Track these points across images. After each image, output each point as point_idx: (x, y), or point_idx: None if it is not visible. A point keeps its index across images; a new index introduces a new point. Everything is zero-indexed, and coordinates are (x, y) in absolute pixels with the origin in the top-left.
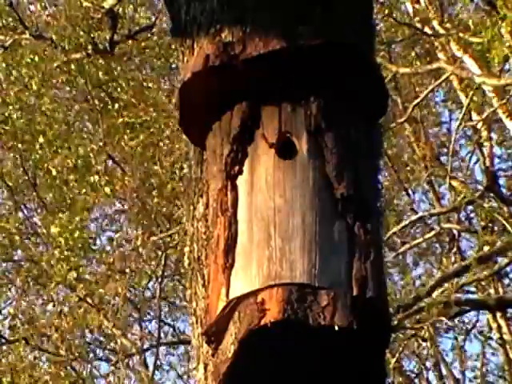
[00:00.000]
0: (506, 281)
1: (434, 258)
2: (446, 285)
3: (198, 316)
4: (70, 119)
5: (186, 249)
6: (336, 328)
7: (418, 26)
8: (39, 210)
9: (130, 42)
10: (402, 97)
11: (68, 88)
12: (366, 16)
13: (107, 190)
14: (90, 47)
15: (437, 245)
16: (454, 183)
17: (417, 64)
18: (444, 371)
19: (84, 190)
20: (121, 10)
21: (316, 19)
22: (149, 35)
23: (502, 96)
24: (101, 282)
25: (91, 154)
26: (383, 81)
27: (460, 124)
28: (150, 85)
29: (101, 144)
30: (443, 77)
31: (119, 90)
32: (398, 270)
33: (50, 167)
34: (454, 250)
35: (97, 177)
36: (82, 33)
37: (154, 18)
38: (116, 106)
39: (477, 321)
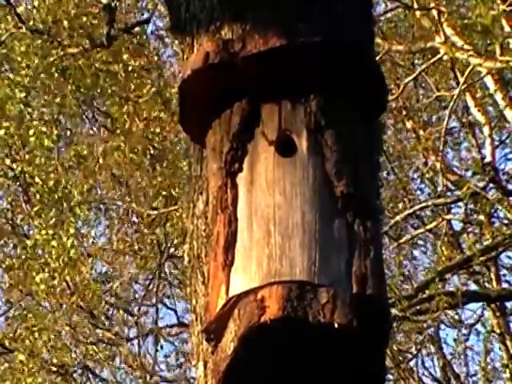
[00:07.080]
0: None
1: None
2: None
3: (197, 313)
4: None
5: (186, 246)
6: (336, 325)
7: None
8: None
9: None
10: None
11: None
12: (365, 13)
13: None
14: (86, 41)
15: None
16: (453, 177)
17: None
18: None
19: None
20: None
21: (316, 17)
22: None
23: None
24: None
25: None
26: (383, 78)
27: (454, 103)
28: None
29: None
30: (437, 56)
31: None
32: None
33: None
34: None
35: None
36: (78, 27)
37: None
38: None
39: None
